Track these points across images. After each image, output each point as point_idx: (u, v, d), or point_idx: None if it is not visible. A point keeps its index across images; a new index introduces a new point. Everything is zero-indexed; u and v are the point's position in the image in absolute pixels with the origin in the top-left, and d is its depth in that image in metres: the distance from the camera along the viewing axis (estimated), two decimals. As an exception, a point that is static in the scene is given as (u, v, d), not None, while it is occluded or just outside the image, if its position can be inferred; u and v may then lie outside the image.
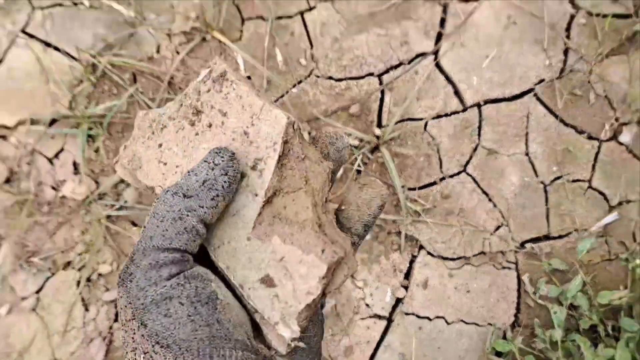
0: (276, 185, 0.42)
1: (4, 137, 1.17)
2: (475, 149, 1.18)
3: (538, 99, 1.19)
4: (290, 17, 1.22)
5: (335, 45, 1.21)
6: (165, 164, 0.44)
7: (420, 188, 1.18)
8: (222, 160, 0.38)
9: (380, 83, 1.20)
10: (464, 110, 1.19)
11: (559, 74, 1.19)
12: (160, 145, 0.44)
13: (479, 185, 1.17)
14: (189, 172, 0.38)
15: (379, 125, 1.19)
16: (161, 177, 0.44)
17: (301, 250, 0.40)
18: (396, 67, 1.20)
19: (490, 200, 1.17)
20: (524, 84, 1.19)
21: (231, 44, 1.18)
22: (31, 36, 1.21)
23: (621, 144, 1.18)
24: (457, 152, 1.18)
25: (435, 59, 1.20)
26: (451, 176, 1.18)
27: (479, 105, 1.19)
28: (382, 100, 1.19)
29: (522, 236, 1.16)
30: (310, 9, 1.22)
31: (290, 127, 0.42)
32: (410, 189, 1.17)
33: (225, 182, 0.38)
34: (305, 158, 0.44)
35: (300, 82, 1.20)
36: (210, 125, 0.43)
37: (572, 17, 1.21)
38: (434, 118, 1.19)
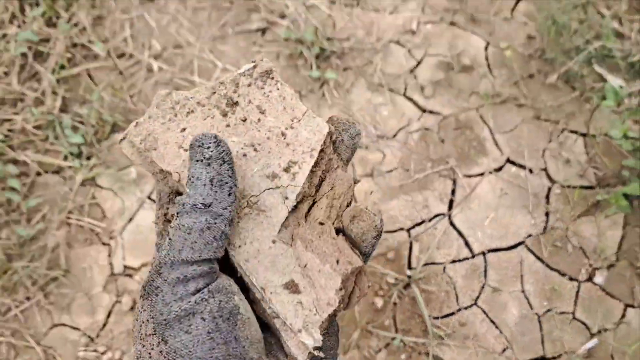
0: (307, 191, 0.42)
1: (130, 276, 1.57)
2: (483, 287, 1.56)
3: (528, 249, 1.58)
4: (341, 187, 1.67)
5: (374, 207, 1.64)
6: (186, 150, 0.42)
7: (443, 317, 1.53)
8: (211, 151, 0.36)
9: (409, 236, 1.61)
10: (473, 257, 1.59)
11: (542, 230, 1.60)
12: (183, 130, 0.42)
13: (487, 316, 1.53)
14: (189, 179, 0.37)
15: (409, 267, 1.58)
16: (181, 163, 0.41)
17: (319, 259, 0.40)
18: (420, 224, 1.62)
19: (497, 327, 1.52)
20: (517, 238, 1.59)
21: (299, 206, 1.62)
22: (154, 201, 1.66)
23: (595, 284, 1.55)
24: (469, 289, 1.55)
25: (449, 218, 1.62)
26: (465, 308, 1.54)
27: (484, 253, 1.58)
28: (410, 248, 1.60)
29: (523, 357, 1.49)
30: (356, 182, 1.67)
31: (329, 138, 0.43)
32: (434, 318, 1.53)
33: (228, 169, 0.37)
34: (338, 168, 0.45)
35: (349, 234, 1.62)
36: (244, 120, 0.42)
37: (549, 188, 1.64)
38: (450, 262, 1.58)
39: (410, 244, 1.60)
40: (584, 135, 1.70)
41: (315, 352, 0.38)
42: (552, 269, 1.57)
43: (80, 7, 1.79)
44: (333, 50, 1.79)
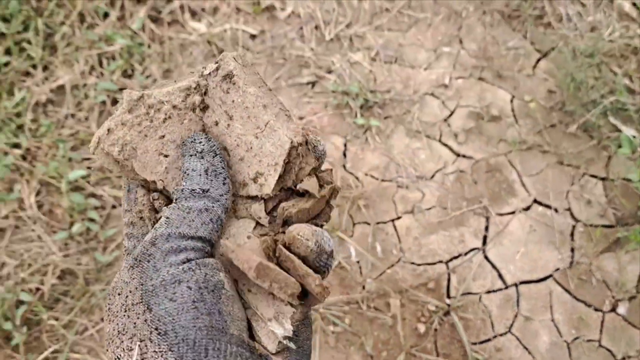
0: (278, 194, 0.43)
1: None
2: (516, 316, 1.71)
3: (556, 281, 1.74)
4: (385, 222, 1.85)
5: (416, 242, 1.81)
6: (166, 156, 0.42)
7: (480, 343, 1.68)
8: (203, 145, 0.38)
9: (447, 268, 1.77)
10: (506, 288, 1.75)
11: (569, 265, 1.76)
12: (162, 137, 0.42)
13: (521, 342, 1.67)
14: (184, 172, 0.39)
15: (448, 296, 1.74)
16: (163, 170, 0.42)
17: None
18: (457, 257, 1.79)
19: (529, 353, 1.66)
20: (546, 271, 1.76)
21: (347, 238, 1.80)
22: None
23: (619, 314, 1.70)
24: (503, 318, 1.71)
25: (484, 252, 1.79)
26: (501, 335, 1.69)
27: (516, 285, 1.74)
28: (449, 279, 1.76)
29: (555, 381, 1.63)
30: (399, 218, 1.85)
31: (294, 151, 0.41)
32: (472, 343, 1.67)
33: (221, 161, 0.39)
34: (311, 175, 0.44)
35: (392, 265, 1.79)
36: (217, 124, 0.42)
37: (574, 226, 1.82)
38: (485, 293, 1.74)
39: (449, 275, 1.76)
40: (603, 179, 1.89)
41: (285, 342, 0.39)
42: (578, 300, 1.72)
43: (153, 61, 2.03)
44: (375, 101, 2.01)
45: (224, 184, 0.38)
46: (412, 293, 1.73)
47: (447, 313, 1.71)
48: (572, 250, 1.78)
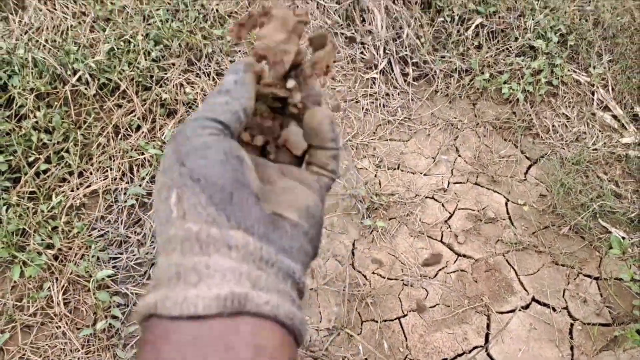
0: None
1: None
2: (521, 415, 1.75)
3: (559, 379, 1.80)
4: (392, 320, 1.94)
5: (421, 339, 1.90)
6: None
7: None
8: (241, 67, 0.44)
9: (452, 365, 1.84)
10: (510, 386, 1.80)
11: (570, 362, 1.83)
12: None
13: None
14: (221, 81, 0.44)
15: (454, 395, 1.79)
16: None
17: None
18: (461, 354, 1.86)
19: None
20: (548, 369, 1.82)
21: (356, 335, 1.89)
22: None
23: (622, 414, 1.74)
24: (509, 417, 1.75)
25: (486, 350, 1.86)
26: None
27: (519, 383, 1.80)
28: (454, 377, 1.82)
29: None
30: (405, 315, 1.95)
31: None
32: None
33: (250, 82, 0.44)
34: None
35: (399, 363, 1.86)
36: None
37: (572, 325, 1.90)
38: (490, 391, 1.79)
39: (454, 372, 1.83)
40: (596, 278, 2.00)
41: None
42: (581, 398, 1.77)
43: (177, 168, 2.24)
44: (380, 203, 2.18)
45: (247, 93, 0.43)
46: (419, 391, 1.79)
47: (454, 411, 1.76)
48: (572, 348, 1.85)
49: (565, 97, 2.52)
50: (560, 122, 2.44)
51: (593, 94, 2.56)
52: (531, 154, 2.38)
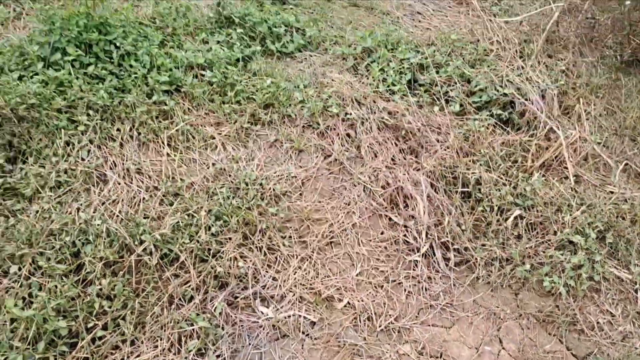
0: None
1: None
2: None
3: None
4: None
5: None
6: None
7: None
8: None
9: None
10: None
11: None
12: None
13: None
14: None
15: None
16: None
17: None
18: None
19: None
20: None
21: None
22: None
23: None
24: None
25: None
26: None
27: None
28: None
29: None
30: None
31: None
32: None
33: None
34: None
35: None
36: None
37: None
38: None
39: None
40: None
41: None
42: None
43: (224, 342, 2.30)
44: (423, 396, 2.14)
45: None
46: None
47: None
48: None
49: (608, 293, 2.55)
50: (605, 319, 2.44)
51: (636, 291, 2.57)
52: (577, 351, 2.34)
